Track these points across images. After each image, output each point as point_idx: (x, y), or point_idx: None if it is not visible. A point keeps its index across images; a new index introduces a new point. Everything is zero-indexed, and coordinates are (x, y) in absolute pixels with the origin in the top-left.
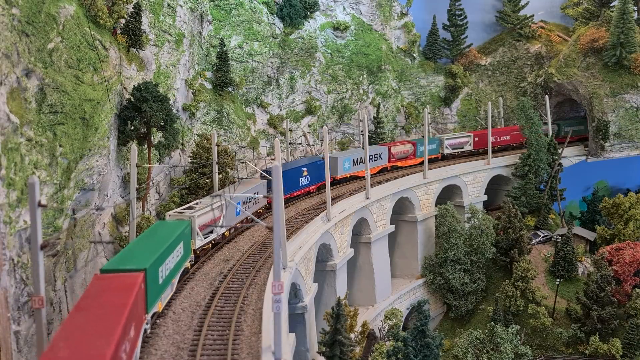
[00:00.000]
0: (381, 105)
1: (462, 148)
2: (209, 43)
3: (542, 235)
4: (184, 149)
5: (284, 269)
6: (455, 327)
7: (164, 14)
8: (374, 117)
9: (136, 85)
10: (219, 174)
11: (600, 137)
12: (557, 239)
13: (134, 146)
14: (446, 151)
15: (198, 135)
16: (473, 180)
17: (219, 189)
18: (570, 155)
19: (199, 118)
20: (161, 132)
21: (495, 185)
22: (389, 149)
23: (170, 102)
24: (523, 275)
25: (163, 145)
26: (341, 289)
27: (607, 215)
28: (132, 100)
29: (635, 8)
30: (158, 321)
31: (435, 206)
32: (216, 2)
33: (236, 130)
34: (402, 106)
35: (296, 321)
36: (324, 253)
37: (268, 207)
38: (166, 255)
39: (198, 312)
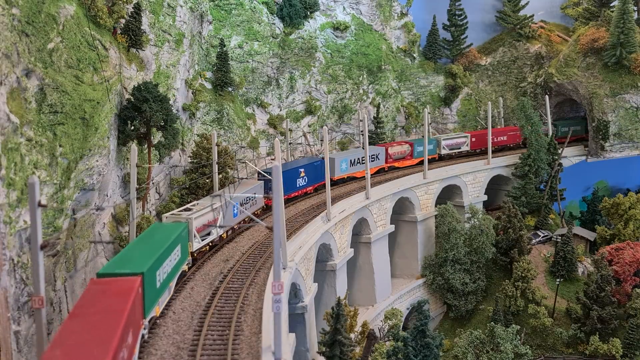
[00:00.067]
0: (381, 105)
1: (459, 149)
2: (209, 43)
3: (542, 235)
4: (184, 149)
5: (284, 269)
6: (455, 327)
7: (164, 14)
8: (374, 117)
9: (136, 85)
10: (219, 174)
11: (600, 137)
12: (557, 239)
13: (134, 146)
14: (443, 152)
15: (198, 135)
16: (473, 180)
17: (219, 189)
18: (570, 155)
19: (199, 118)
20: (161, 132)
21: (495, 185)
22: (386, 150)
23: (170, 102)
24: (523, 275)
25: (163, 145)
26: (341, 289)
27: (607, 215)
28: (132, 100)
29: (635, 8)
30: (158, 321)
31: (435, 206)
32: (216, 2)
33: (236, 130)
34: (402, 106)
35: (296, 321)
36: (324, 253)
37: (265, 209)
38: (163, 258)
39: (198, 312)
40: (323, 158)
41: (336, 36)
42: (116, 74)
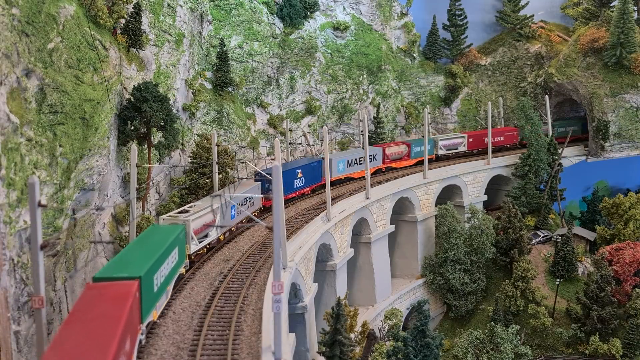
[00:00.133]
0: (381, 105)
1: (457, 149)
2: (209, 43)
3: (542, 235)
4: (184, 149)
5: (284, 269)
6: (455, 327)
7: (164, 14)
8: (374, 117)
9: (136, 85)
10: (219, 174)
11: (600, 137)
12: (557, 239)
13: (134, 146)
14: (440, 152)
15: (198, 135)
16: (473, 180)
17: (219, 189)
18: (570, 155)
19: (199, 118)
20: (161, 132)
21: (495, 185)
22: (384, 150)
23: (170, 102)
24: (523, 275)
25: (163, 145)
26: (341, 289)
27: (607, 215)
28: (132, 100)
29: (635, 8)
30: (158, 321)
31: (435, 206)
32: (216, 2)
33: (236, 130)
34: (402, 106)
35: (296, 321)
36: (324, 253)
37: (263, 210)
38: (161, 261)
39: (198, 312)
40: (321, 159)
41: (336, 36)
42: (116, 74)
